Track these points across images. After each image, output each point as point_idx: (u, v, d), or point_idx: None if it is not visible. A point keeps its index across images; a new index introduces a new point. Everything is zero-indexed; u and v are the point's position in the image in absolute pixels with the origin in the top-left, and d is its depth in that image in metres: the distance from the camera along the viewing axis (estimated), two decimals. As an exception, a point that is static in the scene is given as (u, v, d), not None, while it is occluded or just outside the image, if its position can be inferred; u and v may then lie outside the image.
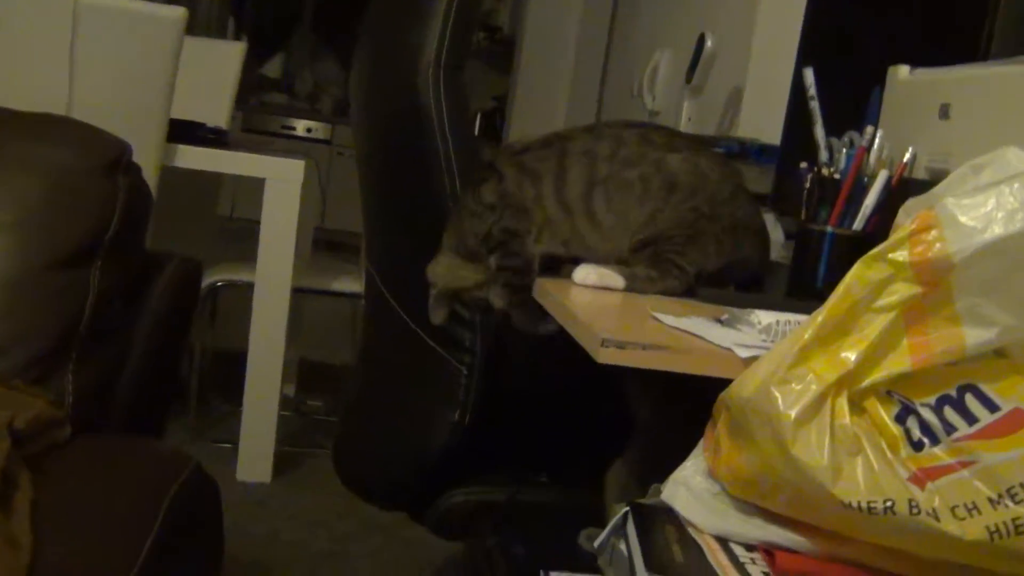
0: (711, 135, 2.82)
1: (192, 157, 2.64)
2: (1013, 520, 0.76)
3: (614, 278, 1.25)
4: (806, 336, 0.83)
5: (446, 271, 1.33)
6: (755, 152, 2.14)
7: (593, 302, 1.18)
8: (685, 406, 1.33)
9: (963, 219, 0.80)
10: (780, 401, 0.81)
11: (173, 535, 1.07)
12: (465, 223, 1.32)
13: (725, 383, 0.94)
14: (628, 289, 1.24)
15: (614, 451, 1.62)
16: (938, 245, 0.80)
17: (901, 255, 0.82)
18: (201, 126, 2.77)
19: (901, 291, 0.82)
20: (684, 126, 2.96)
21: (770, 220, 1.79)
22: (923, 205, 0.84)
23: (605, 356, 0.96)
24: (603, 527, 1.37)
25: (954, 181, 0.84)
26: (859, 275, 0.83)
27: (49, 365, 1.27)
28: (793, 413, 0.80)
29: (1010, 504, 0.77)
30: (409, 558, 2.44)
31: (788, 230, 1.79)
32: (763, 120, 2.45)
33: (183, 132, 2.63)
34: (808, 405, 0.81)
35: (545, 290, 1.22)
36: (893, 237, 0.83)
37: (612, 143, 1.27)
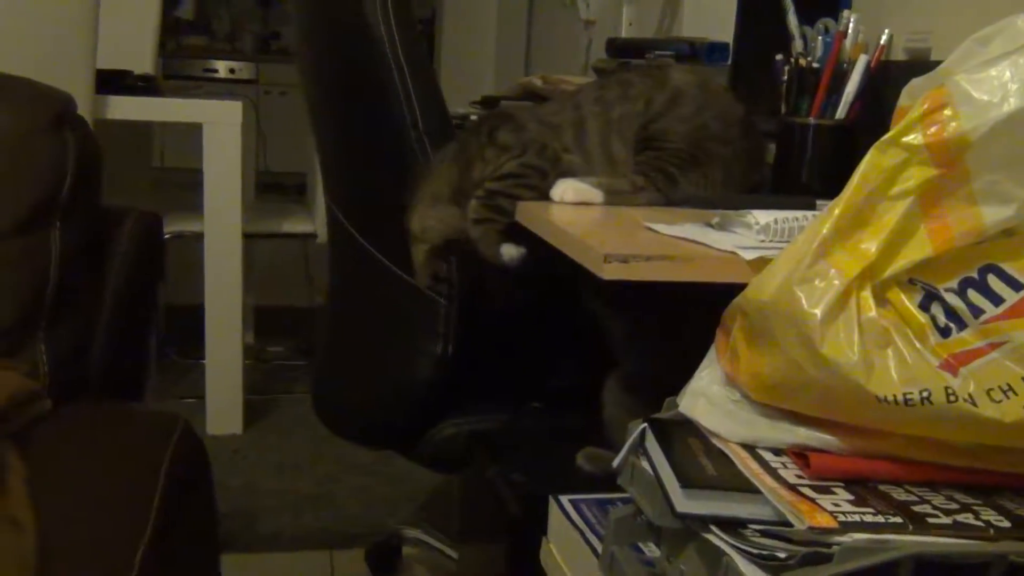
0: (653, 38, 2.77)
1: (125, 107, 2.55)
2: (1050, 397, 0.75)
3: (591, 192, 1.22)
4: (824, 230, 0.80)
5: (438, 222, 1.28)
6: (706, 52, 2.10)
7: (580, 219, 1.14)
8: (664, 315, 1.32)
9: (977, 94, 0.77)
10: (804, 300, 0.79)
11: (174, 498, 1.04)
12: (475, 169, 1.27)
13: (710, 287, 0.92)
14: (607, 203, 1.21)
15: (604, 370, 1.61)
16: (952, 124, 0.78)
17: (915, 138, 0.79)
18: (129, 74, 2.66)
19: (916, 175, 0.79)
20: (626, 32, 2.91)
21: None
22: (930, 85, 0.82)
23: (610, 272, 0.93)
24: (600, 447, 1.36)
25: (961, 56, 0.81)
26: (873, 163, 0.80)
27: (19, 336, 1.21)
28: (818, 311, 0.78)
29: (1045, 381, 0.75)
30: (396, 494, 2.43)
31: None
32: (707, 18, 2.40)
33: (111, 82, 2.53)
34: (833, 302, 0.78)
35: (529, 211, 1.18)
36: (904, 120, 0.80)
37: (620, 86, 1.27)
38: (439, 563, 2.09)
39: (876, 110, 1.14)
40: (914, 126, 0.79)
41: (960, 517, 0.76)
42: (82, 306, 1.29)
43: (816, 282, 0.79)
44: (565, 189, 1.22)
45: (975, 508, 0.78)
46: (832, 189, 0.84)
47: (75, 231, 1.27)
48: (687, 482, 0.81)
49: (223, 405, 2.79)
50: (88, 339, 1.29)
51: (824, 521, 0.73)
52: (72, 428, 1.13)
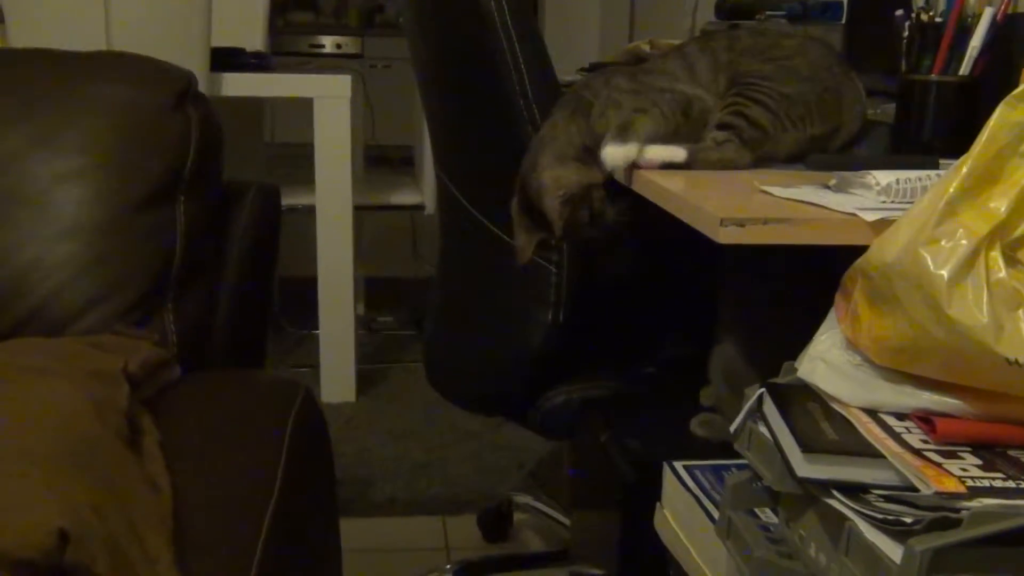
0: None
1: (238, 84, 2.60)
2: None
3: (673, 151, 1.19)
4: (951, 189, 0.78)
5: (573, 173, 1.27)
6: (818, 10, 2.05)
7: (694, 183, 1.13)
8: (778, 284, 1.30)
9: (1116, 45, 0.74)
10: (930, 261, 0.77)
11: (298, 462, 1.07)
12: (596, 122, 1.25)
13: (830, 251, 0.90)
14: (689, 161, 1.18)
15: (713, 334, 1.59)
16: (1089, 76, 0.75)
17: (1048, 92, 0.76)
18: (242, 51, 2.72)
19: (1050, 131, 0.77)
20: (734, -7, 2.85)
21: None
22: (1064, 36, 0.79)
23: (726, 236, 0.92)
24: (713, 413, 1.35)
25: (1098, 5, 0.78)
26: (1003, 119, 0.78)
27: (148, 307, 1.25)
28: (945, 273, 0.76)
29: None
30: (507, 460, 2.45)
31: (867, 86, 1.72)
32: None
33: (225, 60, 2.59)
34: (961, 262, 0.76)
35: (643, 177, 1.17)
36: (1037, 74, 0.77)
37: (727, 39, 1.28)
38: (551, 529, 2.11)
39: (1003, 65, 1.10)
40: (1047, 79, 0.77)
41: (1095, 483, 0.73)
42: (207, 277, 1.33)
43: (943, 242, 0.77)
44: (649, 154, 1.20)
45: (1112, 474, 0.75)
46: (956, 148, 0.82)
47: (199, 204, 1.31)
48: (808, 446, 0.80)
49: (336, 374, 2.85)
50: (212, 309, 1.33)
51: (952, 486, 0.72)
52: (199, 394, 1.17)
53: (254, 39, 3.09)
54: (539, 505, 2.10)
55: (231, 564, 0.89)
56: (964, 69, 1.14)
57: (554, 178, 1.23)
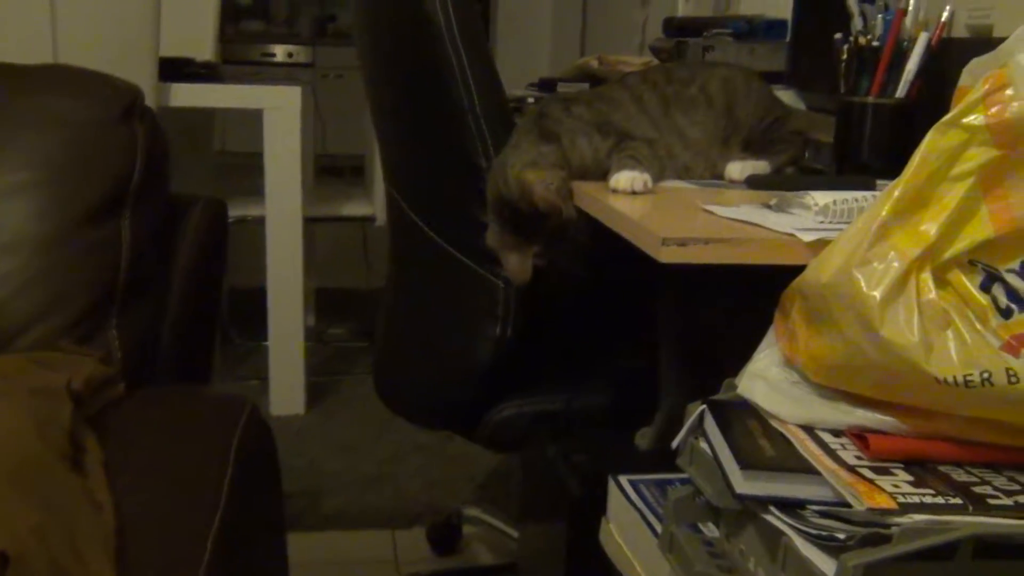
0: (711, 16, 2.75)
1: (187, 95, 2.59)
2: (1113, 378, 0.74)
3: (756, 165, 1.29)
4: (883, 212, 0.80)
5: (553, 174, 1.27)
6: (763, 29, 2.09)
7: (640, 201, 1.15)
8: (727, 301, 1.32)
9: (1039, 74, 0.76)
10: (863, 282, 0.79)
11: (244, 479, 1.07)
12: (569, 150, 1.28)
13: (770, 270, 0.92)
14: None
15: (660, 351, 1.61)
16: (1015, 104, 0.77)
17: (976, 119, 0.79)
18: (191, 61, 2.71)
19: (978, 156, 0.79)
20: (682, 11, 2.89)
21: (789, 96, 1.76)
22: (991, 65, 0.81)
23: (667, 255, 0.94)
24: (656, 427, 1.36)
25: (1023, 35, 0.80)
26: (933, 144, 0.80)
27: (92, 323, 1.24)
28: (878, 294, 0.78)
29: (1108, 362, 0.75)
30: (457, 473, 2.46)
31: (809, 104, 1.76)
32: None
33: (174, 70, 2.57)
34: (892, 284, 0.78)
35: (588, 194, 1.19)
36: (965, 101, 0.80)
37: (662, 73, 1.35)
38: (499, 542, 2.11)
39: (937, 89, 1.13)
40: (975, 107, 0.79)
41: (1022, 498, 0.76)
42: (152, 293, 1.32)
43: (875, 264, 0.79)
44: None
45: (1037, 489, 0.77)
46: (892, 169, 0.84)
47: (144, 220, 1.30)
48: (746, 463, 0.82)
49: (286, 386, 2.84)
50: (158, 325, 1.33)
51: (883, 502, 0.74)
52: (144, 411, 1.17)
53: (204, 49, 3.07)
54: (488, 518, 2.11)
55: (175, 584, 0.89)
56: (900, 92, 1.17)
57: (536, 176, 1.24)
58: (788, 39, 1.96)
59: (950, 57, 1.12)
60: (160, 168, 1.35)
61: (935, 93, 1.14)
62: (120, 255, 1.26)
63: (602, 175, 1.23)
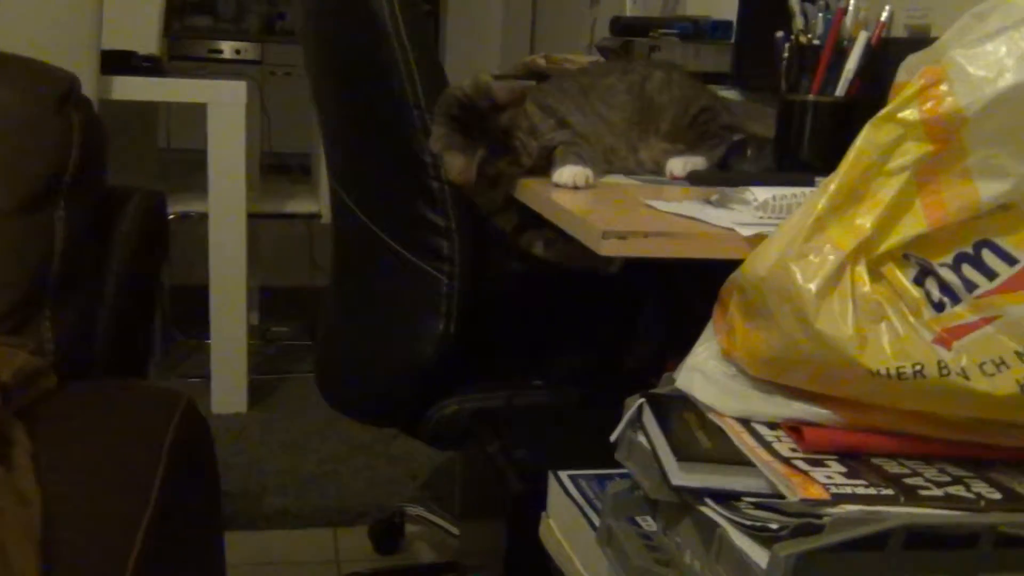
0: (658, 16, 2.77)
1: (130, 88, 2.55)
2: (1043, 371, 0.75)
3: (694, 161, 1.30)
4: (819, 206, 0.81)
5: None
6: (710, 29, 2.10)
7: (582, 196, 1.15)
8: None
9: (973, 70, 0.77)
10: (799, 275, 0.80)
11: (178, 474, 1.05)
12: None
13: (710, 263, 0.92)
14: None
15: (603, 349, 1.61)
16: (949, 100, 0.78)
17: (911, 114, 0.79)
18: (134, 54, 2.66)
19: (913, 151, 0.80)
20: (630, 11, 2.90)
21: (734, 96, 1.77)
22: (927, 60, 0.82)
23: (608, 248, 0.94)
24: (602, 424, 1.36)
25: (958, 32, 0.81)
26: (869, 139, 0.81)
27: (24, 314, 1.21)
28: (813, 286, 0.79)
29: (1038, 355, 0.76)
30: (400, 472, 2.44)
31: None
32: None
33: (116, 62, 2.53)
34: (828, 277, 0.79)
35: (530, 190, 1.18)
36: (900, 96, 0.80)
37: (583, 71, 1.43)
38: (441, 540, 2.10)
39: (876, 87, 1.14)
40: (910, 102, 0.80)
41: (951, 489, 0.76)
42: (87, 285, 1.29)
43: (811, 257, 0.80)
44: (675, 164, 1.30)
45: (967, 480, 0.78)
46: (832, 166, 0.85)
47: (80, 210, 1.28)
48: (683, 455, 0.82)
49: (228, 384, 2.80)
50: (93, 317, 1.30)
51: (816, 493, 0.74)
52: (77, 404, 1.14)
53: (148, 42, 3.02)
54: (430, 516, 2.10)
55: (102, 577, 0.87)
56: (840, 90, 1.18)
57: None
58: (733, 40, 1.97)
59: (889, 57, 1.13)
60: (97, 158, 1.32)
61: (874, 92, 1.15)
62: (54, 246, 1.23)
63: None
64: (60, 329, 1.23)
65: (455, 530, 1.98)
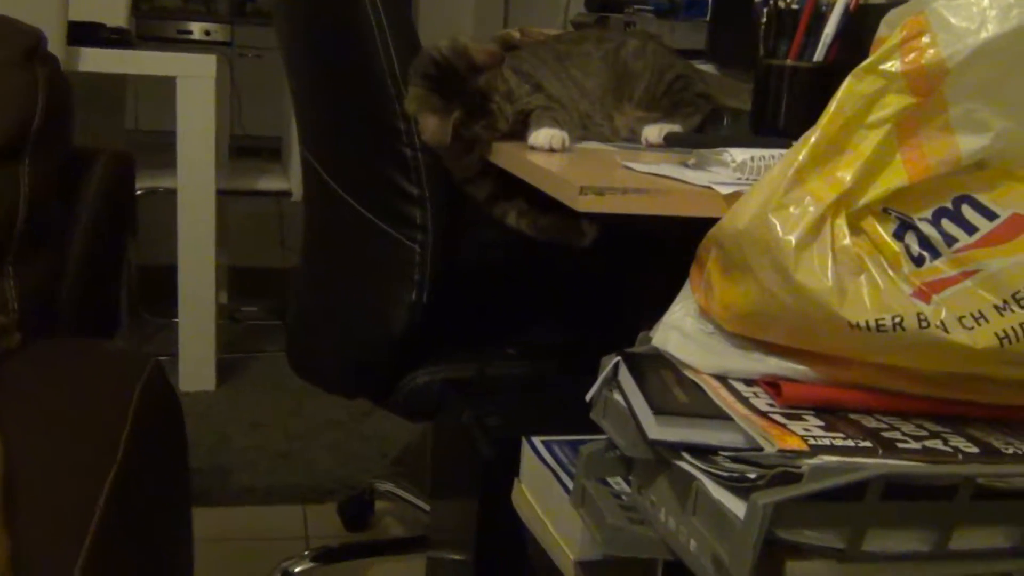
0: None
1: (97, 60, 2.51)
2: (1021, 325, 0.75)
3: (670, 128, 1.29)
4: (800, 158, 0.80)
5: None
6: (685, 6, 2.10)
7: (559, 157, 1.14)
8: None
9: (955, 20, 0.77)
10: (779, 227, 0.79)
11: (144, 433, 1.03)
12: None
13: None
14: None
15: (576, 318, 1.61)
16: (931, 51, 0.78)
17: (892, 65, 0.79)
18: (102, 26, 2.62)
19: (894, 103, 0.79)
20: (604, -9, 2.89)
21: (710, 70, 1.76)
22: (909, 13, 0.81)
23: (584, 204, 0.93)
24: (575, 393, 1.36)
25: (940, -15, 0.81)
26: (850, 90, 0.80)
27: (-14, 271, 1.19)
28: (793, 238, 0.78)
29: (1016, 309, 0.76)
30: (371, 449, 2.43)
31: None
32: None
33: (84, 34, 2.49)
34: (807, 228, 0.78)
35: (506, 152, 1.17)
36: (883, 47, 0.80)
37: (558, 39, 1.42)
38: (412, 516, 2.09)
39: (855, 52, 1.13)
40: (892, 53, 0.79)
41: (929, 443, 0.76)
42: (52, 243, 1.27)
43: (791, 209, 0.79)
44: (651, 131, 1.30)
45: (944, 435, 0.78)
46: (809, 131, 0.84)
47: (45, 166, 1.25)
48: (659, 410, 0.81)
49: (196, 362, 2.77)
50: (58, 276, 1.27)
51: (794, 444, 0.73)
52: (41, 362, 1.12)
53: (116, 15, 2.98)
54: (401, 492, 2.09)
55: (66, 527, 0.84)
56: (818, 56, 1.17)
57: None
58: (708, 16, 1.96)
59: (868, 21, 1.13)
60: (63, 115, 1.29)
61: (854, 57, 1.14)
62: (18, 200, 1.20)
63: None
64: (24, 286, 1.20)
65: (425, 506, 1.96)
